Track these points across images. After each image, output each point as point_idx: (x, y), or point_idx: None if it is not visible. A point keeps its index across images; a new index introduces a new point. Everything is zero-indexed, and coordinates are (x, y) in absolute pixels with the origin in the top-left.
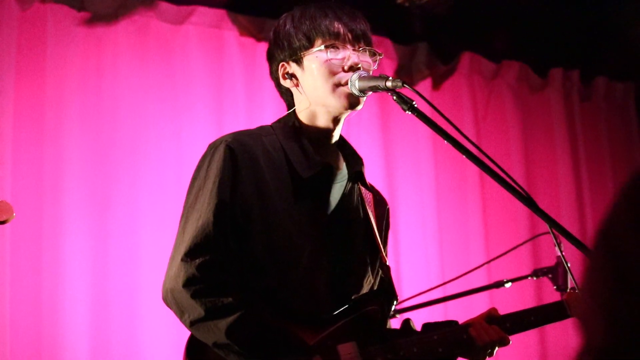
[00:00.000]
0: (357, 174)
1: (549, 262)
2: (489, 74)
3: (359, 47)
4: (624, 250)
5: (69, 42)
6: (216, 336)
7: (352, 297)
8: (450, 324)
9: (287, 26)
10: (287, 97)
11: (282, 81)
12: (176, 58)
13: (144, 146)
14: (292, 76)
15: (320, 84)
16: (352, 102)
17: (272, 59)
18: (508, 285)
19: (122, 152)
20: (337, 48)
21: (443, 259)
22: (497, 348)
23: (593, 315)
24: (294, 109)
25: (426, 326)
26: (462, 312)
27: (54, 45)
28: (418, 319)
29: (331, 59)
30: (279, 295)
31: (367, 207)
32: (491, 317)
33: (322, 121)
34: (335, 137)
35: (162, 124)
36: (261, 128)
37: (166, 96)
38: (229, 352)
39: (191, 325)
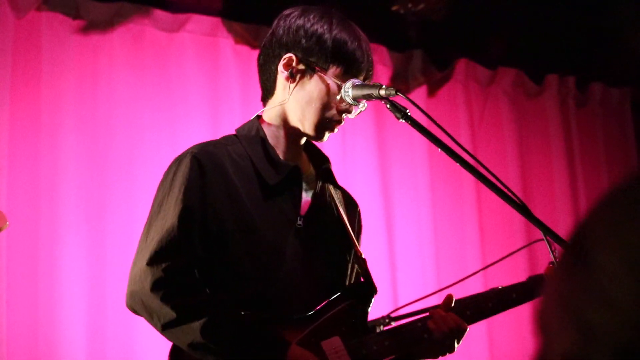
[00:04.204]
0: (325, 172)
1: (544, 268)
2: (485, 81)
3: None
4: (599, 262)
5: (64, 50)
6: (191, 337)
7: (335, 294)
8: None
9: (325, 26)
10: (269, 80)
11: (280, 67)
12: (171, 66)
13: (139, 154)
14: (292, 74)
15: (314, 109)
16: (322, 138)
17: (287, 35)
18: None
19: (118, 159)
20: None
21: (439, 265)
22: (456, 341)
23: (559, 320)
24: (259, 115)
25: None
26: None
27: (50, 53)
28: None
29: (339, 98)
30: (264, 300)
31: (339, 205)
32: (447, 306)
33: (293, 124)
34: (303, 140)
35: (158, 132)
36: (226, 138)
37: (162, 104)
38: (207, 352)
39: (163, 329)
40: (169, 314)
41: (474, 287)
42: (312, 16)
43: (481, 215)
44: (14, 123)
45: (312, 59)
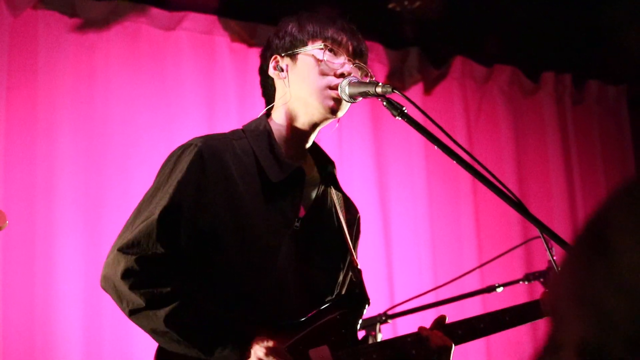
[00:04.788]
0: (329, 177)
1: (541, 266)
2: (481, 78)
3: (355, 62)
4: (618, 250)
5: (60, 49)
6: (155, 324)
7: (325, 301)
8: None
9: (293, 23)
10: (270, 91)
11: (270, 71)
12: (168, 64)
13: (136, 152)
14: (282, 70)
15: (310, 81)
16: (334, 108)
17: (268, 48)
18: (500, 289)
19: (114, 157)
20: (335, 54)
21: (435, 263)
22: (445, 358)
23: (574, 308)
24: (266, 112)
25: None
26: (454, 317)
27: (46, 52)
28: (410, 324)
29: (327, 60)
30: (255, 300)
31: (339, 210)
32: (438, 324)
33: (300, 123)
34: (309, 142)
35: (154, 130)
36: (233, 132)
37: (158, 102)
38: (170, 340)
39: (130, 314)
40: (137, 301)
41: (471, 284)
42: (280, 24)
43: (478, 212)
44: (10, 121)
45: (292, 48)
